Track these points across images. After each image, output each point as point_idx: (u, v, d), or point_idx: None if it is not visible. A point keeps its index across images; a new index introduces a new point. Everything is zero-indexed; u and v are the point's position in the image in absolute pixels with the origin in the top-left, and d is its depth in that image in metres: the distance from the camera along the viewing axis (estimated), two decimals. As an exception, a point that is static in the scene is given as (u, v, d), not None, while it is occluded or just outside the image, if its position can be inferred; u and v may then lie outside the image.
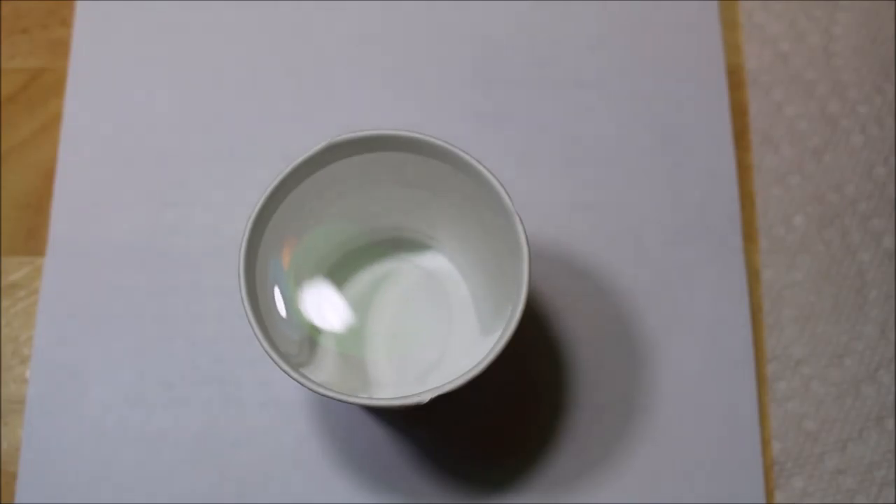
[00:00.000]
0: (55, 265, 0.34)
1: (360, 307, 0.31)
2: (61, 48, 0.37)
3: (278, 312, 0.28)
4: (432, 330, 0.30)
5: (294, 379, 0.25)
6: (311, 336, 0.29)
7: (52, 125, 0.36)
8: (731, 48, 0.37)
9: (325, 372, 0.29)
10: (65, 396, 0.32)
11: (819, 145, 0.35)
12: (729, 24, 0.37)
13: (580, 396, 0.33)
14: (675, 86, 0.36)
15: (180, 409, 0.32)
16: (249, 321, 0.25)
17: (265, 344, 0.25)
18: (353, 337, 0.30)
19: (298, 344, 0.28)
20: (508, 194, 0.26)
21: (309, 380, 0.25)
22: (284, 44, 0.37)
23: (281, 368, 0.25)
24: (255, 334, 0.25)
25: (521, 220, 0.26)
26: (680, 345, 0.33)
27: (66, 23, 0.37)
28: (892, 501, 0.32)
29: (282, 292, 0.28)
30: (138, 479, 0.32)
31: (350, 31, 0.37)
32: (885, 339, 0.33)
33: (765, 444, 0.32)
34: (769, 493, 0.32)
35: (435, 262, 0.31)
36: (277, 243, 0.28)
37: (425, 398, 0.25)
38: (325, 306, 0.30)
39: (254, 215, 0.26)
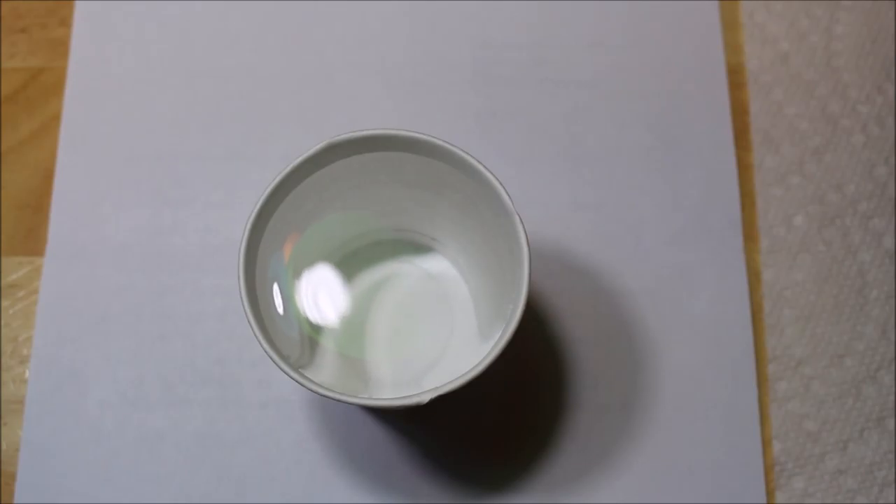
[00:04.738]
0: (55, 265, 0.34)
1: (361, 307, 0.31)
2: (61, 48, 0.37)
3: (278, 313, 0.28)
4: (432, 330, 0.30)
5: (294, 379, 0.25)
6: (311, 336, 0.29)
7: (51, 125, 0.36)
8: (732, 48, 0.37)
9: (325, 372, 0.29)
10: (64, 396, 0.32)
11: (819, 145, 0.35)
12: (730, 24, 0.37)
13: (580, 396, 0.32)
14: (676, 86, 0.36)
15: (180, 409, 0.32)
16: (249, 321, 0.25)
17: (265, 344, 0.25)
18: (354, 337, 0.30)
19: (298, 344, 0.28)
20: (508, 194, 0.26)
21: (309, 380, 0.25)
22: (284, 44, 0.37)
23: (281, 369, 0.25)
24: (254, 335, 0.25)
25: (521, 220, 0.26)
26: (680, 345, 0.33)
27: (65, 22, 0.37)
28: (893, 502, 0.31)
29: (281, 292, 0.28)
30: (138, 479, 0.32)
31: (350, 30, 0.37)
32: (885, 339, 0.33)
33: (765, 444, 0.32)
34: (770, 493, 0.32)
35: (435, 262, 0.31)
36: (277, 243, 0.28)
37: (425, 398, 0.24)
38: (325, 307, 0.30)
39: (253, 215, 0.26)
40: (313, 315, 0.30)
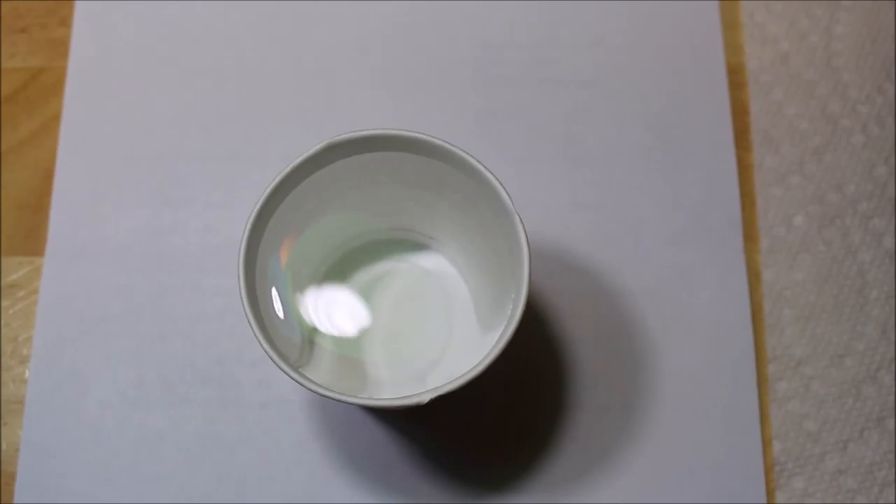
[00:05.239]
0: (54, 265, 0.34)
1: (360, 307, 0.31)
2: (61, 48, 0.37)
3: (277, 312, 0.28)
4: (432, 330, 0.30)
5: (294, 379, 0.25)
6: (311, 336, 0.29)
7: (51, 125, 0.36)
8: (732, 48, 0.37)
9: (325, 372, 0.29)
10: (64, 396, 0.32)
11: (820, 145, 0.35)
12: (730, 24, 0.37)
13: (580, 396, 0.32)
14: (676, 86, 0.36)
15: (180, 409, 0.32)
16: (249, 321, 0.25)
17: (264, 344, 0.25)
18: (353, 337, 0.30)
19: (298, 344, 0.28)
20: (508, 194, 0.26)
21: (309, 380, 0.25)
22: (284, 44, 0.37)
23: (281, 369, 0.25)
24: (254, 334, 0.25)
25: (521, 220, 0.26)
26: (680, 345, 0.33)
27: (65, 22, 0.37)
28: (893, 502, 0.31)
29: (281, 292, 0.28)
30: (138, 479, 0.32)
31: (350, 30, 0.37)
32: (885, 339, 0.33)
33: (765, 444, 0.32)
34: (770, 493, 0.32)
35: (435, 261, 0.31)
36: (277, 243, 0.28)
37: (425, 398, 0.24)
38: (324, 306, 0.30)
39: (253, 215, 0.26)
40: (313, 315, 0.30)
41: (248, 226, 0.26)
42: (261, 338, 0.25)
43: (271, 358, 0.25)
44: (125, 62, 0.36)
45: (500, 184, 0.26)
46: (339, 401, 0.25)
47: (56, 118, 0.36)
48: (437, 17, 0.37)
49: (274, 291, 0.28)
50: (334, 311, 0.30)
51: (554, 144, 0.35)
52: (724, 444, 0.32)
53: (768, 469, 0.32)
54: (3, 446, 0.32)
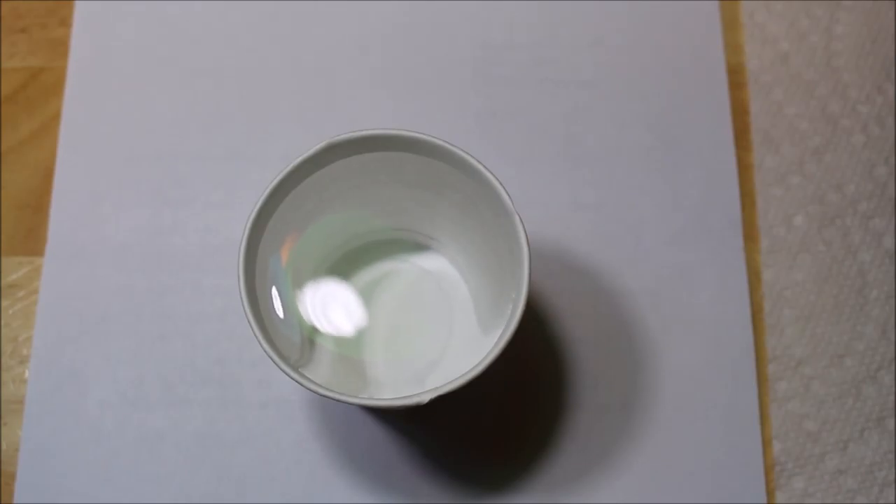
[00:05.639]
0: (55, 265, 0.34)
1: (361, 307, 0.31)
2: (60, 48, 0.37)
3: (278, 312, 0.28)
4: (432, 330, 0.30)
5: (294, 379, 0.25)
6: (311, 336, 0.29)
7: (51, 125, 0.36)
8: (732, 48, 0.37)
9: (325, 372, 0.29)
10: (64, 396, 0.32)
11: (820, 145, 0.35)
12: (730, 24, 0.37)
13: (580, 396, 0.32)
14: (676, 86, 0.36)
15: (180, 409, 0.32)
16: (249, 321, 0.25)
17: (264, 344, 0.25)
18: (353, 337, 0.30)
19: (298, 344, 0.28)
20: (508, 194, 0.26)
21: (309, 380, 0.25)
22: (284, 44, 0.37)
23: (280, 369, 0.25)
24: (254, 335, 0.25)
25: (521, 220, 0.26)
26: (680, 345, 0.33)
27: (65, 22, 0.37)
28: (893, 502, 0.31)
29: (281, 292, 0.28)
30: (138, 479, 0.32)
31: (350, 30, 0.37)
32: (885, 339, 0.33)
33: (765, 444, 0.32)
34: (770, 493, 0.32)
35: (435, 262, 0.31)
36: (277, 243, 0.28)
37: (425, 398, 0.24)
38: (325, 306, 0.30)
39: (253, 215, 0.26)
40: (313, 315, 0.30)
41: (248, 226, 0.26)
42: (261, 338, 0.25)
43: (271, 358, 0.25)
44: (125, 62, 0.36)
45: (500, 184, 0.26)
46: (339, 401, 0.25)
47: (56, 118, 0.36)
48: (437, 17, 0.37)
49: (274, 291, 0.28)
50: (334, 310, 0.30)
51: (554, 144, 0.35)
52: (724, 444, 0.32)
53: (768, 469, 0.32)
54: (3, 446, 0.32)
